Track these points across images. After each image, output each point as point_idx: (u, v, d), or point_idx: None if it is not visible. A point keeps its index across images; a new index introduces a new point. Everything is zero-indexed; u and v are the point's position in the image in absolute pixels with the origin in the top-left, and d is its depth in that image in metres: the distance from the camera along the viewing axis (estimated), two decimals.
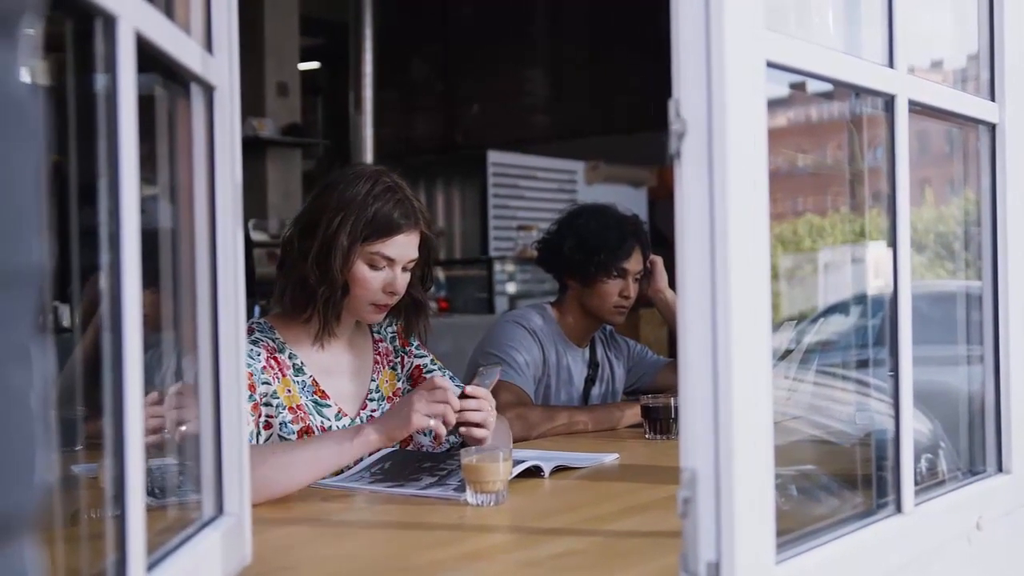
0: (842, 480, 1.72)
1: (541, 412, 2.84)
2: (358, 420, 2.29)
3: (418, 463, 2.14)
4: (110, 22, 1.01)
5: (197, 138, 1.36)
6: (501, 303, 7.42)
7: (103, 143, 1.02)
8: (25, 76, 0.61)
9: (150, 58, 1.13)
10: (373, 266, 2.22)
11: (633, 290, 3.04)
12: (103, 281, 1.01)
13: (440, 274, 7.79)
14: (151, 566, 1.09)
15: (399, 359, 2.45)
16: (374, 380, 2.37)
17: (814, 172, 2.16)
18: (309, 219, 2.23)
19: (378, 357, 2.40)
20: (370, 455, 2.15)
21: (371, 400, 2.35)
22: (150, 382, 1.10)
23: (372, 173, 2.26)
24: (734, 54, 1.18)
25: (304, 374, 2.24)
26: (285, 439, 2.17)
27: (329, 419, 2.24)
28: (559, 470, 2.19)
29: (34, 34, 0.64)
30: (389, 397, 2.38)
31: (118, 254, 1.01)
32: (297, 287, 2.23)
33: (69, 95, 1.04)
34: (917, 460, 1.65)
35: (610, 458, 2.37)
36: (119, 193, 1.02)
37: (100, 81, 1.03)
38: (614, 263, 3.00)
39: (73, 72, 1.06)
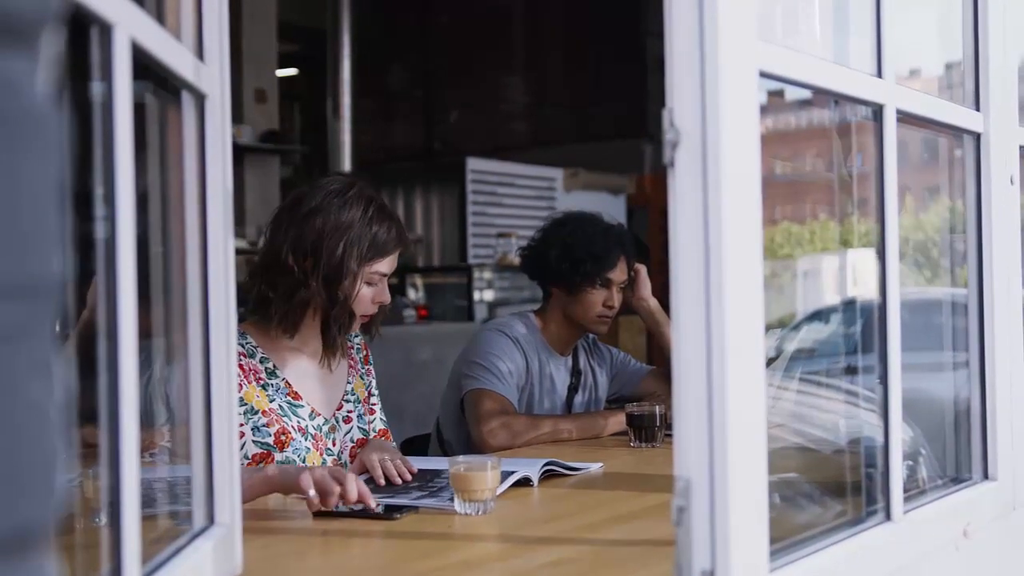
0: (830, 488, 1.73)
1: (526, 421, 2.84)
2: (333, 420, 2.37)
3: (405, 481, 2.14)
4: (106, 30, 1.00)
5: (188, 146, 1.36)
6: (480, 311, 7.41)
7: (98, 150, 1.01)
8: (44, 88, 0.61)
9: (142, 66, 1.12)
10: (370, 284, 2.32)
11: (617, 300, 3.04)
12: (99, 289, 1.01)
13: (419, 282, 7.77)
14: None
15: (365, 370, 2.54)
16: (349, 383, 2.45)
17: (792, 180, 2.17)
18: (302, 240, 2.26)
19: (352, 362, 2.49)
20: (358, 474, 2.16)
21: (347, 401, 2.43)
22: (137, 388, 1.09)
23: (359, 193, 2.31)
24: (728, 64, 1.19)
25: (277, 377, 2.30)
26: (260, 443, 2.23)
27: (304, 419, 2.30)
28: (548, 476, 2.20)
29: (54, 45, 0.64)
30: (363, 400, 2.48)
31: (114, 261, 1.01)
32: (298, 308, 2.28)
33: (63, 102, 1.03)
34: None
35: (595, 467, 2.37)
36: (115, 200, 1.01)
37: (95, 88, 1.02)
38: (599, 273, 3.00)
39: (67, 79, 1.05)
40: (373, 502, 1.88)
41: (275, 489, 1.98)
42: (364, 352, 2.55)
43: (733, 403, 1.18)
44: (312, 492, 1.84)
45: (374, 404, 2.54)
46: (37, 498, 0.57)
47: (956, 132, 1.87)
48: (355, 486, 1.85)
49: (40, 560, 0.57)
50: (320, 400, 2.37)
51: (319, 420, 2.34)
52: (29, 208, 0.57)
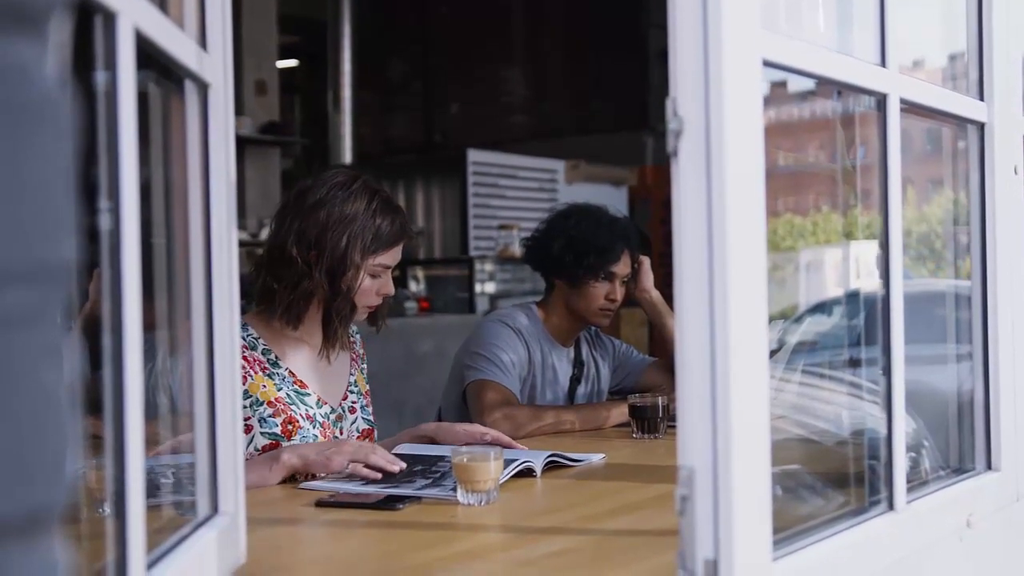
0: (833, 479, 1.73)
1: (528, 412, 2.84)
2: (340, 410, 2.40)
3: (409, 466, 2.14)
4: (110, 18, 1.00)
5: (191, 137, 1.35)
6: (482, 303, 7.41)
7: (102, 140, 1.01)
8: (54, 74, 0.61)
9: (145, 55, 1.12)
10: (373, 276, 2.34)
11: (620, 293, 3.04)
12: (103, 281, 1.01)
13: (420, 274, 7.78)
14: (150, 565, 1.09)
15: (364, 366, 2.57)
16: (352, 375, 2.48)
17: (795, 171, 2.17)
18: (306, 232, 2.28)
19: (354, 355, 2.52)
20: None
21: (351, 392, 2.46)
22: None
23: (363, 186, 2.33)
24: (732, 53, 1.19)
25: (281, 367, 2.32)
26: (268, 433, 2.25)
27: (311, 407, 2.33)
28: (550, 467, 2.20)
29: (64, 30, 0.64)
30: (364, 394, 2.51)
31: (118, 252, 1.00)
32: (302, 299, 2.30)
33: (71, 89, 1.03)
34: None
35: (597, 458, 2.37)
36: (119, 191, 1.01)
37: (99, 77, 1.02)
38: (603, 266, 3.00)
39: (71, 68, 1.05)
40: (397, 467, 2.07)
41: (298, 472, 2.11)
42: (362, 350, 2.58)
43: (736, 392, 1.18)
44: (351, 468, 2.06)
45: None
46: (48, 483, 0.57)
47: (960, 122, 1.87)
48: (385, 455, 2.09)
49: (50, 544, 0.57)
50: (325, 390, 2.39)
51: (326, 408, 2.37)
52: (40, 194, 0.57)
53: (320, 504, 1.90)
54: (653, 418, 2.67)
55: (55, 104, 0.60)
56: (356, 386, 2.48)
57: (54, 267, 0.58)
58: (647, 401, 2.70)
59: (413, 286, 7.57)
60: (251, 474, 2.08)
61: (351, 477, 2.09)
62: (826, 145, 1.97)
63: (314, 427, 2.31)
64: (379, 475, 2.05)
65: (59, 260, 0.59)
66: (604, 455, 2.39)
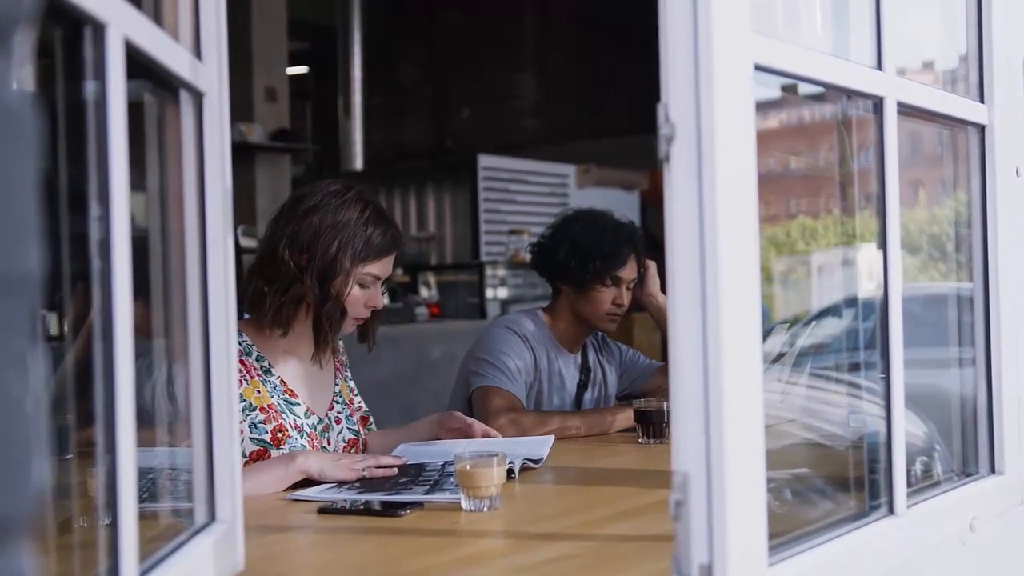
0: (835, 482, 1.72)
1: (534, 417, 2.84)
2: (327, 420, 2.43)
3: (394, 478, 2.14)
4: (99, 29, 1.01)
5: (187, 145, 1.36)
6: (493, 308, 7.41)
7: (92, 150, 1.02)
8: (19, 84, 0.61)
9: (139, 65, 1.13)
10: (362, 285, 2.36)
11: (626, 298, 3.04)
12: (94, 289, 1.01)
13: (431, 279, 7.78)
14: (144, 573, 1.09)
15: (347, 372, 2.59)
16: (336, 384, 2.51)
17: (806, 174, 2.17)
18: (298, 237, 2.31)
19: (338, 365, 2.54)
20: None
21: (337, 402, 2.48)
22: (140, 391, 1.10)
23: (356, 195, 2.37)
24: (722, 57, 1.19)
25: (273, 375, 2.35)
26: (257, 440, 2.26)
27: (299, 416, 2.36)
28: (524, 469, 2.23)
29: (28, 42, 0.64)
30: (348, 403, 2.52)
31: (109, 262, 1.01)
32: (292, 304, 2.31)
33: (57, 102, 1.04)
34: (912, 463, 1.65)
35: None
36: (109, 200, 1.01)
37: (89, 88, 1.03)
38: (609, 271, 2.99)
39: (61, 79, 1.06)
40: (401, 461, 2.21)
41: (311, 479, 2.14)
42: (344, 356, 2.60)
43: (730, 396, 1.17)
44: (367, 474, 2.13)
45: (360, 401, 2.60)
46: (11, 492, 0.57)
47: (960, 124, 1.87)
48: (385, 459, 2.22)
49: (17, 552, 0.58)
50: (313, 400, 2.41)
51: (313, 419, 2.39)
52: (5, 204, 0.58)
53: (323, 511, 1.90)
54: (658, 423, 2.67)
55: (20, 116, 0.60)
56: (341, 396, 2.50)
57: (19, 277, 0.59)
58: (652, 406, 2.70)
59: (424, 292, 7.57)
60: (265, 476, 2.09)
61: (340, 486, 2.09)
62: (837, 147, 1.97)
63: (301, 437, 2.32)
64: (395, 471, 2.16)
65: (24, 270, 0.59)
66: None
